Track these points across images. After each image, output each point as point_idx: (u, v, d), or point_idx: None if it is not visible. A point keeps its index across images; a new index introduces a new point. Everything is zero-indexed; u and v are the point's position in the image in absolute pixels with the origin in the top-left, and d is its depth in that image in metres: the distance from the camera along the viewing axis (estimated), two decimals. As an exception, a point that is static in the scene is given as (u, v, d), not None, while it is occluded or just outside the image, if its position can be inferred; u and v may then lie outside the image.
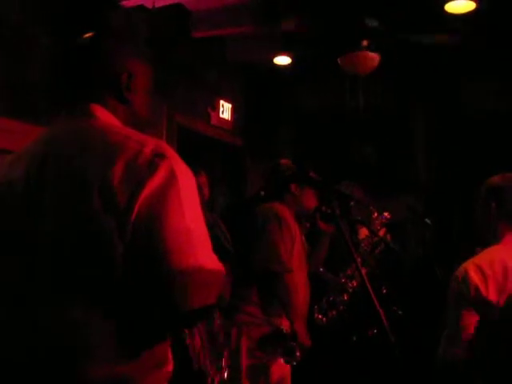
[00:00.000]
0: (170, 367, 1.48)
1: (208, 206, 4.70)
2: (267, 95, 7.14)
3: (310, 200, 3.55)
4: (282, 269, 3.26)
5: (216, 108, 6.63)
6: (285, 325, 3.23)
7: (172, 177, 1.36)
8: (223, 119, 6.75)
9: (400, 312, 3.93)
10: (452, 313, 2.39)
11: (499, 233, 2.43)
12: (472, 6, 4.65)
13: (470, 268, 2.34)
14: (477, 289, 2.29)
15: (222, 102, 6.73)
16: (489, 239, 2.48)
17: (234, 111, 6.90)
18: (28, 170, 1.45)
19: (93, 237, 1.33)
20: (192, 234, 1.36)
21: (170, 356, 1.49)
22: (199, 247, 1.38)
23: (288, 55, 6.17)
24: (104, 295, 1.34)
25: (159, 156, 1.37)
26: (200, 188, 4.45)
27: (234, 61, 6.40)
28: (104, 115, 1.51)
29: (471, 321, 2.31)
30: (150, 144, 1.39)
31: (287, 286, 3.26)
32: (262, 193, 3.76)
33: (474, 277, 2.30)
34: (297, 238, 3.43)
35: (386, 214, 4.49)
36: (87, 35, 1.57)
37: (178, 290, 1.33)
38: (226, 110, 6.80)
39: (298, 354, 2.90)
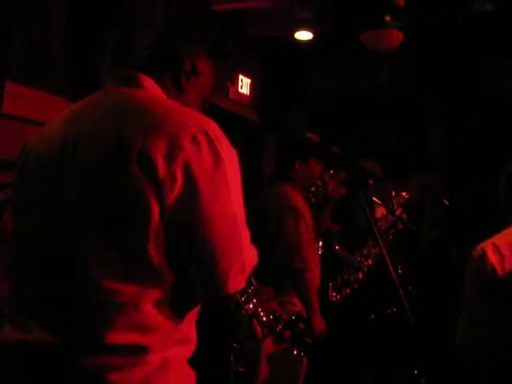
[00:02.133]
0: (192, 347, 1.48)
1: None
2: (287, 71, 7.08)
3: (315, 173, 3.53)
4: (304, 267, 3.27)
5: (235, 82, 6.58)
6: (297, 304, 3.26)
7: (217, 157, 1.33)
8: (242, 94, 6.70)
9: (414, 291, 3.92)
10: (469, 294, 2.37)
11: None
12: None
13: (488, 247, 2.31)
14: (493, 268, 2.26)
15: (241, 76, 6.68)
16: (509, 220, 2.45)
17: (253, 86, 6.86)
18: (66, 137, 1.44)
19: (128, 199, 1.31)
20: (237, 220, 1.36)
21: (194, 337, 1.49)
22: (243, 233, 1.38)
23: (309, 30, 6.10)
24: (135, 262, 1.33)
25: (204, 133, 1.34)
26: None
27: (254, 35, 6.34)
28: (152, 87, 1.49)
29: (488, 302, 2.30)
30: (196, 119, 1.37)
31: (307, 283, 3.28)
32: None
33: (492, 256, 2.28)
34: (309, 222, 3.42)
35: (403, 193, 4.47)
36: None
37: (219, 276, 1.34)
38: (244, 84, 6.75)
39: (309, 347, 2.92)
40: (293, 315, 3.13)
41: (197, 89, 1.58)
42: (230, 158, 1.38)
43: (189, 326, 1.46)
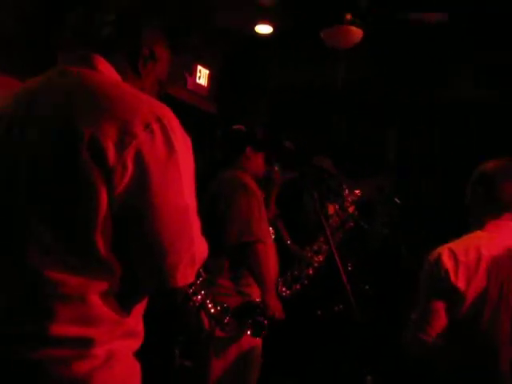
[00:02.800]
0: (139, 341, 1.45)
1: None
2: (246, 64, 7.06)
3: (261, 165, 3.52)
4: (253, 239, 3.23)
5: (193, 73, 6.53)
6: (256, 294, 3.23)
7: (171, 147, 1.29)
8: (199, 85, 6.66)
9: (369, 289, 3.95)
10: (423, 296, 2.39)
11: (482, 220, 2.41)
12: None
13: (444, 252, 2.32)
14: (447, 273, 2.28)
15: (199, 67, 6.63)
16: (473, 225, 2.47)
17: (211, 77, 6.81)
18: (12, 118, 1.39)
19: (76, 186, 1.27)
20: (188, 211, 1.33)
21: (142, 330, 1.46)
22: (194, 225, 1.35)
23: (270, 24, 6.09)
24: (81, 252, 1.29)
25: (159, 121, 1.30)
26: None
27: (214, 26, 6.30)
28: (107, 69, 1.44)
29: (441, 306, 2.32)
30: (151, 105, 1.33)
31: (259, 256, 3.21)
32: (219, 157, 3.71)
33: (447, 261, 2.29)
34: (262, 205, 3.40)
35: (356, 191, 4.50)
36: None
37: (167, 268, 1.32)
38: (203, 75, 6.71)
39: (265, 327, 2.89)
40: (248, 302, 3.10)
41: (154, 75, 1.53)
42: (184, 147, 1.34)
43: (136, 319, 1.43)
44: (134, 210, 1.28)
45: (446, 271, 2.28)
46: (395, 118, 6.95)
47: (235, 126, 3.54)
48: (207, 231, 1.44)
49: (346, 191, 4.46)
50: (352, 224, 4.41)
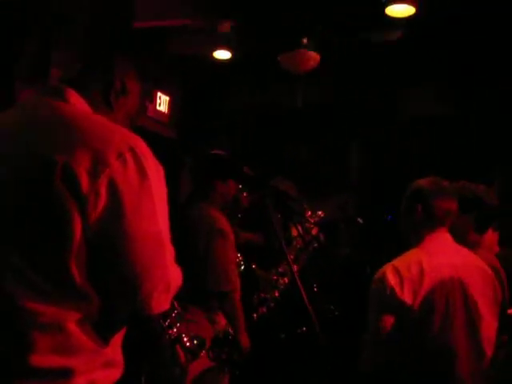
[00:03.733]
0: (119, 371, 1.45)
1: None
2: (206, 90, 7.09)
3: (232, 191, 3.54)
4: (231, 288, 3.28)
5: (153, 100, 6.52)
6: (224, 321, 3.25)
7: (144, 175, 1.31)
8: (160, 111, 6.66)
9: (335, 311, 3.96)
10: (372, 315, 2.44)
11: (420, 235, 2.51)
12: (412, 10, 4.74)
13: (388, 270, 2.41)
14: (392, 290, 2.36)
15: (159, 94, 6.64)
16: (412, 241, 2.55)
17: (171, 104, 6.82)
18: None
19: (50, 216, 1.28)
20: (162, 239, 1.35)
21: (121, 360, 1.46)
22: (167, 252, 1.36)
23: (228, 50, 6.14)
24: (56, 282, 1.30)
25: (131, 150, 1.32)
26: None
27: (173, 53, 6.32)
28: (78, 101, 1.46)
29: (389, 321, 2.37)
30: (123, 135, 1.36)
31: (235, 303, 3.29)
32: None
33: (391, 278, 2.38)
34: (233, 241, 3.43)
35: (319, 212, 4.53)
36: None
37: (142, 296, 1.32)
38: (163, 102, 6.71)
39: (237, 365, 2.91)
40: (221, 334, 3.11)
41: (125, 108, 1.56)
42: (157, 175, 1.36)
43: (114, 348, 1.43)
44: (107, 238, 1.29)
45: (392, 288, 2.36)
46: (356, 137, 7.04)
47: (213, 152, 3.55)
48: (182, 264, 1.45)
49: (309, 213, 4.48)
50: (316, 245, 4.43)
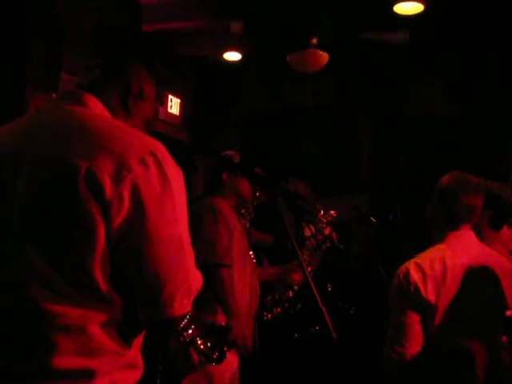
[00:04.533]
0: (140, 372, 1.46)
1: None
2: (216, 91, 7.10)
3: (246, 189, 3.52)
4: (218, 261, 3.22)
5: (164, 102, 6.55)
6: (220, 322, 3.20)
7: (165, 180, 1.32)
8: (171, 114, 6.67)
9: (350, 310, 3.96)
10: (394, 312, 2.42)
11: (443, 232, 2.47)
12: (420, 8, 4.73)
13: (411, 266, 2.38)
14: (416, 287, 2.33)
15: (170, 96, 6.66)
16: (433, 237, 2.52)
17: (182, 106, 6.84)
18: (5, 157, 1.40)
19: (74, 220, 1.28)
20: (183, 243, 1.36)
21: (141, 362, 1.47)
22: (188, 256, 1.37)
23: (238, 51, 6.15)
24: (80, 285, 1.30)
25: (152, 155, 1.33)
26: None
27: (183, 55, 6.34)
28: (96, 106, 1.47)
29: (414, 319, 2.35)
30: (143, 140, 1.36)
31: (223, 280, 3.20)
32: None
33: (415, 275, 2.35)
34: (235, 231, 3.39)
35: (331, 212, 4.52)
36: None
37: (165, 299, 1.33)
38: (174, 104, 6.73)
39: (225, 354, 2.85)
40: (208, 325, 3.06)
41: (143, 113, 1.56)
42: (177, 180, 1.37)
43: (136, 350, 1.44)
44: (131, 243, 1.30)
45: (416, 285, 2.33)
46: (367, 136, 7.03)
47: (223, 153, 3.55)
48: None
49: (321, 212, 4.48)
50: (329, 245, 4.42)
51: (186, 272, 1.36)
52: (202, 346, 2.62)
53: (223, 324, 3.05)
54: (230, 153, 3.56)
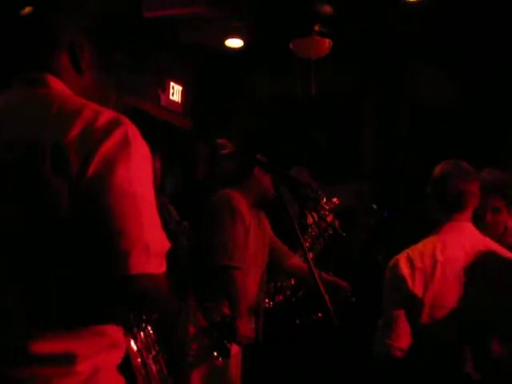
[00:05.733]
0: (122, 352, 1.46)
1: (157, 190, 4.64)
2: (218, 78, 7.08)
3: (270, 186, 3.49)
4: (229, 264, 3.22)
5: (166, 90, 6.53)
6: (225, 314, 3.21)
7: (125, 142, 1.34)
8: (173, 101, 6.66)
9: (353, 298, 3.95)
10: (385, 304, 2.41)
11: (439, 223, 2.45)
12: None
13: (402, 259, 2.37)
14: (404, 280, 2.32)
15: (172, 83, 6.64)
16: (435, 225, 2.49)
17: (184, 93, 6.82)
18: None
19: (40, 198, 1.31)
20: (138, 200, 1.34)
21: (123, 341, 1.47)
22: (144, 213, 1.34)
23: (240, 38, 6.12)
24: (44, 261, 1.32)
25: (115, 123, 1.35)
26: (154, 172, 4.39)
27: (185, 42, 6.32)
28: (59, 86, 1.49)
29: (402, 312, 2.34)
30: (107, 113, 1.38)
31: (235, 282, 3.21)
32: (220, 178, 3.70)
33: (404, 268, 2.34)
34: (252, 229, 3.38)
35: (334, 199, 4.51)
36: (28, 9, 1.53)
37: (119, 253, 1.30)
38: (176, 92, 6.72)
39: (229, 353, 2.86)
40: (216, 321, 3.07)
41: (89, 66, 1.57)
42: (140, 148, 1.39)
43: (116, 329, 1.44)
44: (88, 201, 1.31)
45: (404, 278, 2.32)
46: (370, 123, 7.01)
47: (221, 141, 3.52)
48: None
49: (324, 200, 4.47)
50: (331, 232, 4.41)
51: (141, 229, 1.32)
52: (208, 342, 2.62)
53: (228, 317, 3.06)
54: (220, 141, 3.53)
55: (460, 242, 2.37)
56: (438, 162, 2.54)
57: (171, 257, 1.44)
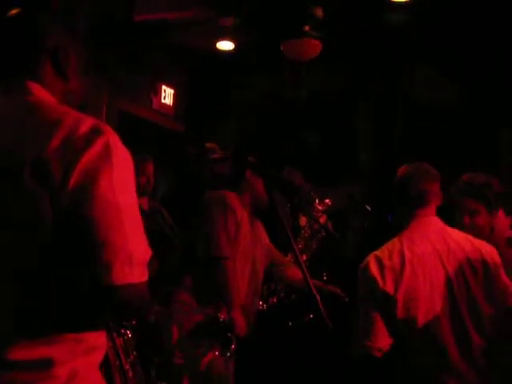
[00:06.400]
0: (102, 353, 1.46)
1: (151, 194, 4.64)
2: (210, 81, 7.08)
3: (263, 189, 3.49)
4: (220, 254, 3.23)
5: (158, 93, 6.53)
6: (222, 315, 3.20)
7: (107, 151, 1.34)
8: (165, 104, 6.65)
9: (346, 299, 3.95)
10: (361, 305, 2.43)
11: (406, 221, 2.50)
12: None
13: (371, 259, 2.41)
14: (375, 281, 2.35)
15: (164, 87, 6.63)
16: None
17: (176, 96, 6.81)
18: None
19: (23, 212, 1.30)
20: (120, 209, 1.33)
21: (103, 342, 1.47)
22: (127, 223, 1.34)
23: (231, 40, 6.13)
24: (27, 270, 1.31)
25: (96, 132, 1.35)
26: (147, 177, 4.39)
27: (177, 45, 6.32)
28: (41, 93, 1.48)
29: (377, 313, 2.36)
30: (88, 121, 1.37)
31: (225, 272, 3.21)
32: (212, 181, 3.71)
33: (373, 268, 2.37)
34: (243, 226, 3.39)
35: (326, 200, 4.51)
36: (15, 11, 1.52)
37: (102, 263, 1.29)
38: (168, 95, 6.72)
39: (233, 345, 2.85)
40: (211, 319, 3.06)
41: (75, 70, 1.56)
42: (122, 157, 1.38)
43: (96, 334, 1.43)
44: (71, 211, 1.30)
45: (374, 278, 2.35)
46: (364, 124, 7.01)
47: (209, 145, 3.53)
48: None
49: (317, 201, 4.47)
50: (324, 234, 4.41)
51: (124, 239, 1.32)
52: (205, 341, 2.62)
53: (225, 318, 3.05)
54: (209, 145, 3.55)
55: (426, 236, 2.42)
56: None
57: (164, 260, 1.44)
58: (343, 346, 2.27)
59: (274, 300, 4.18)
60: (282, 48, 5.46)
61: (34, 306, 1.33)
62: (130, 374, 1.91)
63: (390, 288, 2.32)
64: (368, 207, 5.05)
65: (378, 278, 2.33)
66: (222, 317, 2.90)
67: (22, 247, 1.32)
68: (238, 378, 3.35)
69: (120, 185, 1.34)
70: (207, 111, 7.09)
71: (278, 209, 2.46)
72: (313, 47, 5.34)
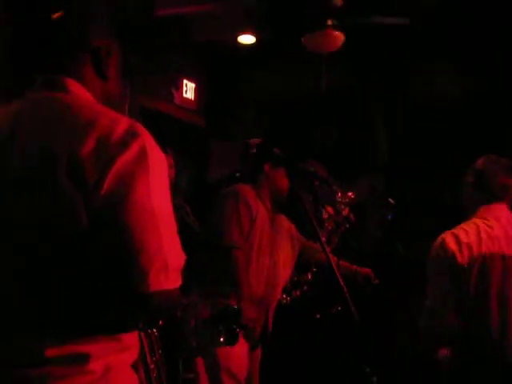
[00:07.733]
0: (135, 353, 1.47)
1: (171, 189, 4.66)
2: (231, 75, 7.09)
3: (284, 182, 3.50)
4: (231, 244, 3.25)
5: (179, 88, 6.55)
6: (232, 305, 3.21)
7: (142, 155, 1.33)
8: (186, 99, 6.67)
9: (370, 290, 3.96)
10: (433, 283, 2.51)
11: (475, 208, 2.62)
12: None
13: (447, 236, 2.51)
14: (453, 255, 2.45)
15: (185, 81, 6.65)
16: (468, 215, 2.66)
17: (197, 91, 6.83)
18: None
19: (57, 212, 1.30)
20: (156, 214, 1.33)
21: (136, 343, 1.48)
22: (162, 228, 1.34)
23: (252, 34, 6.13)
24: (61, 272, 1.32)
25: (132, 134, 1.34)
26: (169, 170, 4.41)
27: (197, 40, 6.33)
28: (79, 90, 1.47)
29: (450, 287, 2.46)
30: (124, 122, 1.36)
31: (237, 262, 3.23)
32: (238, 174, 3.72)
33: (451, 243, 2.47)
34: (259, 219, 3.39)
35: (349, 193, 4.50)
36: (58, 14, 1.51)
37: (138, 271, 1.30)
38: (189, 89, 6.73)
39: (237, 336, 2.86)
40: (220, 308, 3.06)
41: (114, 70, 1.56)
42: (158, 160, 1.38)
43: (130, 334, 1.45)
44: (107, 216, 1.30)
45: (452, 252, 2.45)
46: (383, 118, 6.98)
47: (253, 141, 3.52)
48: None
49: (339, 194, 4.46)
50: (346, 226, 4.41)
51: (160, 244, 1.32)
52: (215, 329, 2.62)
53: (235, 306, 3.05)
54: (254, 140, 3.54)
55: (500, 221, 2.55)
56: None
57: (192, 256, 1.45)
58: (369, 337, 2.27)
59: (298, 293, 4.18)
60: (303, 41, 5.44)
61: (68, 309, 1.34)
62: (155, 373, 1.92)
63: (467, 263, 2.43)
64: (391, 200, 5.04)
65: (457, 253, 2.44)
66: (233, 304, 2.92)
67: (53, 246, 1.32)
68: (264, 370, 3.38)
69: (155, 189, 1.34)
70: (228, 105, 7.10)
71: (304, 200, 2.47)
72: (334, 40, 5.31)
